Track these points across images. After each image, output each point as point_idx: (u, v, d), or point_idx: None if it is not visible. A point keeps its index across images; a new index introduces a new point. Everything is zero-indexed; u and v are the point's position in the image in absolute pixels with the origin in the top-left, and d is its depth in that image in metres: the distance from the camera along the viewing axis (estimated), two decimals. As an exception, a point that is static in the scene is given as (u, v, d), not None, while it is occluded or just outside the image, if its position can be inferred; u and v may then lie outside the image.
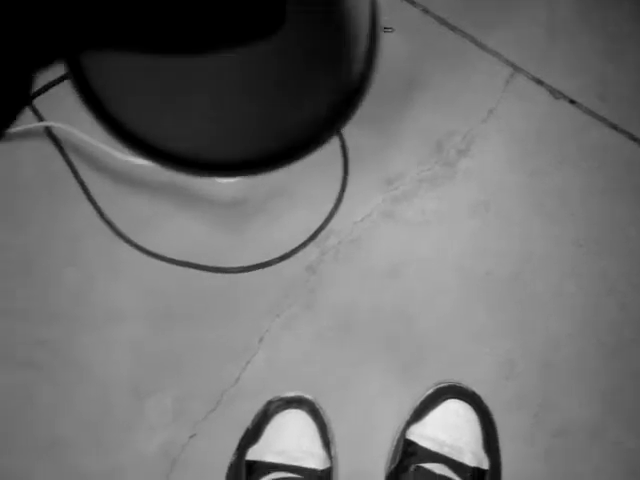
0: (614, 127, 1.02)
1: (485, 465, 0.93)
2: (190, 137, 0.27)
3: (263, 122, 0.27)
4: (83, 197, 1.00)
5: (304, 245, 1.00)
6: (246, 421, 0.96)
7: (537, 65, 1.03)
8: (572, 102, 1.02)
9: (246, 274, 1.00)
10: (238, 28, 0.23)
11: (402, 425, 0.96)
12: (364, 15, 0.28)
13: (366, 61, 0.28)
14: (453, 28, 1.03)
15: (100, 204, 1.00)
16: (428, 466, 0.91)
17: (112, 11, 0.23)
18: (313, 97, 0.28)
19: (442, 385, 0.96)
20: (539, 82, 1.03)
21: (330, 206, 1.00)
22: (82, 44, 0.24)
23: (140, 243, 1.00)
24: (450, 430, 0.93)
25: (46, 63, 0.24)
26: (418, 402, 0.96)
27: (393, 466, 0.93)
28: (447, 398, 0.95)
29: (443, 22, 1.03)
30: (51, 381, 0.98)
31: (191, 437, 0.98)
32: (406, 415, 0.96)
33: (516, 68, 1.03)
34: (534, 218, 1.02)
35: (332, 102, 0.29)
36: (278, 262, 1.00)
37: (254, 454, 0.94)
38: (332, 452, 0.95)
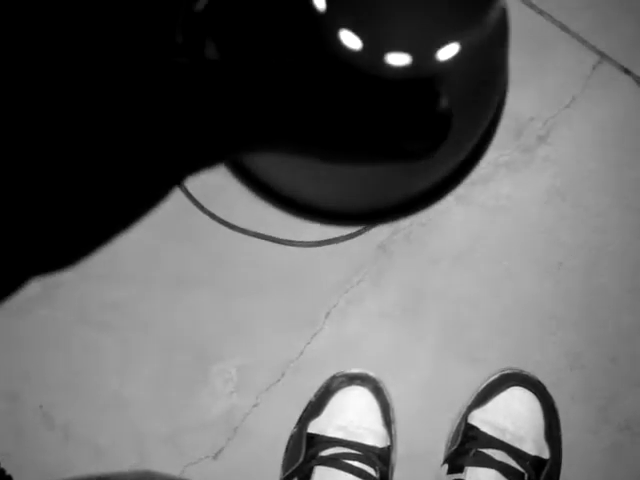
0: (700, 121, 1.00)
1: (546, 455, 0.93)
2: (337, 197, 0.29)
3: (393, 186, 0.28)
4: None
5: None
6: (309, 394, 0.97)
7: (625, 53, 1.01)
8: (659, 93, 1.00)
9: (316, 249, 1.00)
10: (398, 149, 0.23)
11: (464, 409, 0.96)
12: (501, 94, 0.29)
13: (489, 127, 0.29)
14: (540, 12, 1.01)
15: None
16: (488, 452, 0.91)
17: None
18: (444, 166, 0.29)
19: (506, 372, 0.96)
20: (626, 71, 1.01)
21: (404, 186, 1.00)
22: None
23: (213, 212, 1.01)
24: (512, 417, 0.93)
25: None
26: (481, 387, 0.96)
27: (453, 448, 0.94)
28: (511, 385, 0.94)
29: (530, 5, 1.01)
30: (119, 342, 1.00)
31: (253, 406, 0.99)
32: (469, 399, 0.96)
33: (603, 55, 1.01)
34: (612, 210, 1.00)
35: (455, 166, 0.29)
36: (349, 239, 1.00)
37: (315, 427, 0.95)
38: (393, 431, 0.96)
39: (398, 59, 0.23)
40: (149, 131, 0.22)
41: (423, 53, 0.23)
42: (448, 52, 0.23)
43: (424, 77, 0.23)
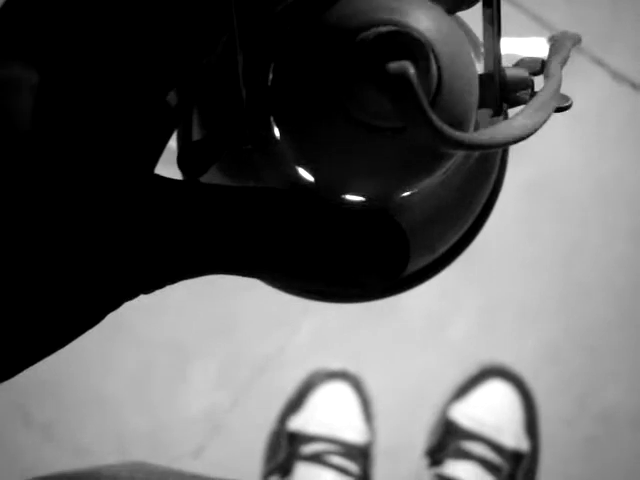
0: (674, 112, 1.00)
1: (525, 447, 0.94)
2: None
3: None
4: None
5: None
6: (289, 390, 0.97)
7: (599, 46, 1.01)
8: (634, 86, 1.00)
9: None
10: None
11: (444, 402, 0.97)
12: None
13: (484, 207, 0.28)
14: (513, 4, 1.01)
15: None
16: (467, 445, 0.92)
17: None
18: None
19: (486, 365, 0.96)
20: (600, 64, 1.01)
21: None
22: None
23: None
24: (492, 411, 0.94)
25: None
26: (461, 381, 0.96)
27: (433, 442, 0.94)
28: (490, 378, 0.95)
29: (505, -3, 1.01)
30: (99, 339, 0.99)
31: (234, 403, 0.99)
32: (449, 393, 0.97)
33: (577, 48, 1.01)
34: (589, 203, 1.00)
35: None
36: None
37: (296, 424, 0.95)
38: (373, 426, 0.96)
39: (352, 197, 0.23)
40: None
41: (377, 195, 0.22)
42: (403, 193, 0.23)
43: (380, 209, 0.23)
